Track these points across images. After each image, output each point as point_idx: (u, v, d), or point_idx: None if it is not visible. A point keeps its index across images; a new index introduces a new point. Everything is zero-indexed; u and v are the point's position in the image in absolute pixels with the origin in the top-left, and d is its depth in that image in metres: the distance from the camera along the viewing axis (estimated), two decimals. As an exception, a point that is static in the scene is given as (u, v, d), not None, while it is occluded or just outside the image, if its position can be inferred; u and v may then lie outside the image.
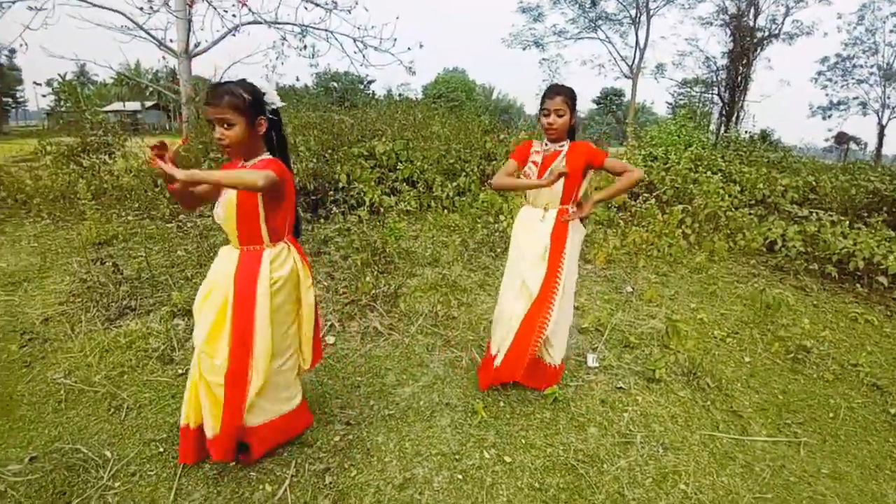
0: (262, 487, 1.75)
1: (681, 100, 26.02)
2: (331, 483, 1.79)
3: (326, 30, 10.63)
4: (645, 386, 2.61)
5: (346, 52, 11.28)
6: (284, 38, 10.23)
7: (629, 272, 4.46)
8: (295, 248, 1.78)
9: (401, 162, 6.18)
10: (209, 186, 1.69)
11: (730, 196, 5.80)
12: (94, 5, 8.00)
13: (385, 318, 3.11)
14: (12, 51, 25.67)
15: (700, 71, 22.60)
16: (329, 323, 3.02)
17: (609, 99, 41.79)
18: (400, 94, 15.54)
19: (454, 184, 6.26)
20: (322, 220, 5.49)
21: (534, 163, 2.25)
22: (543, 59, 26.56)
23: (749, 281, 4.44)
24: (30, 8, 7.42)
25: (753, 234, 5.09)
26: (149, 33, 9.18)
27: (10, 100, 26.86)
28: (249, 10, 10.12)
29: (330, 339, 2.86)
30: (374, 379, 2.49)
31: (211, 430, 1.67)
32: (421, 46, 11.78)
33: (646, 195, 6.08)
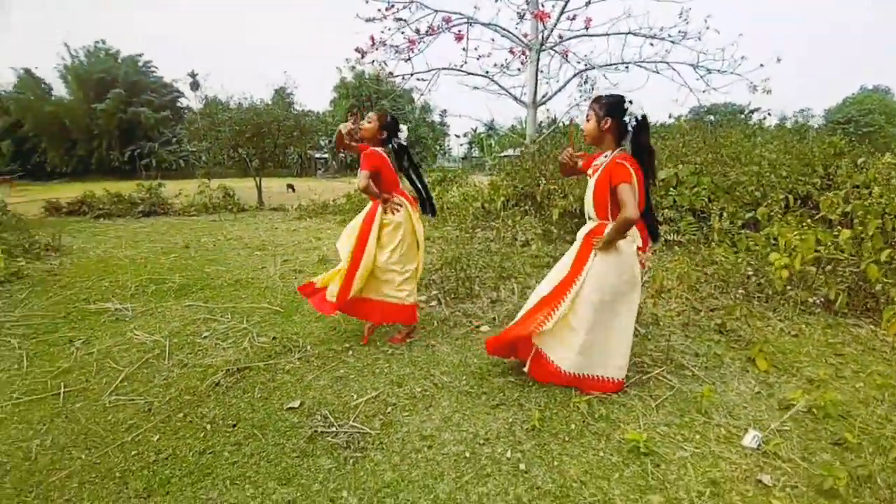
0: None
1: None
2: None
3: (660, 61, 10.49)
4: (802, 494, 1.81)
5: (684, 82, 10.75)
6: (596, 79, 10.72)
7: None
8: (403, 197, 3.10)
9: (672, 188, 5.68)
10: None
11: None
12: (468, 73, 10.79)
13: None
14: (444, 111, 36.73)
15: None
16: (493, 316, 3.44)
17: None
18: (784, 119, 13.22)
19: (748, 215, 5.25)
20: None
21: (588, 173, 2.42)
22: None
23: None
24: (419, 79, 10.78)
25: None
26: (507, 91, 11.59)
27: (438, 147, 38.18)
28: (586, 61, 11.18)
29: (485, 328, 3.29)
30: (489, 365, 2.79)
31: (331, 295, 2.96)
32: (778, 61, 9.89)
33: None
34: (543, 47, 10.33)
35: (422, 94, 10.71)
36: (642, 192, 2.28)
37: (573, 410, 2.31)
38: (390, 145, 3.13)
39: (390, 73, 10.30)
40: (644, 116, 2.26)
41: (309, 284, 3.17)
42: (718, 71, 10.22)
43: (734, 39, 10.09)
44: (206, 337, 3.21)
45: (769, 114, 13.99)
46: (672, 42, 10.22)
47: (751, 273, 3.95)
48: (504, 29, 10.81)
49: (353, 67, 10.31)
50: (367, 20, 10.50)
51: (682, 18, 10.02)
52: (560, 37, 10.10)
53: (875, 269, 3.28)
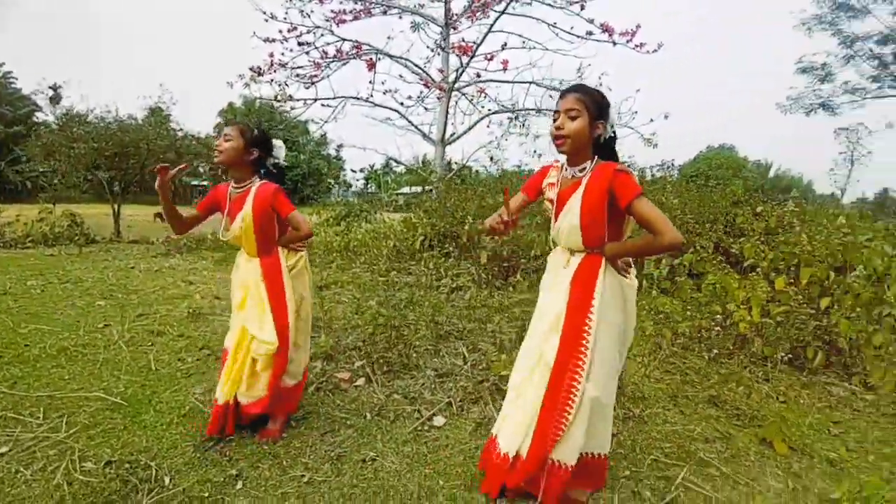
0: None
1: None
2: None
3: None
4: None
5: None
6: (511, 120, 10.80)
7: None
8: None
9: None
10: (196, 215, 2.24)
11: None
12: (375, 105, 10.08)
13: (514, 410, 2.47)
14: (340, 145, 35.44)
15: None
16: (447, 400, 2.57)
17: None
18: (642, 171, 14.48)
19: (676, 261, 5.11)
20: (511, 289, 5.17)
21: (549, 200, 1.79)
22: (840, 128, 20.96)
23: None
24: (323, 105, 9.81)
25: None
26: (417, 127, 11.09)
27: (332, 181, 36.57)
28: (496, 101, 11.20)
29: (439, 421, 2.39)
30: (459, 491, 1.89)
31: (254, 397, 2.11)
32: (666, 117, 10.79)
33: None
34: (457, 85, 10.09)
35: (324, 122, 9.73)
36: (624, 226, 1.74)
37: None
38: (263, 170, 2.23)
39: (290, 97, 9.18)
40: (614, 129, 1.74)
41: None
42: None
43: (630, 95, 10.85)
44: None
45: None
46: (570, 93, 10.67)
47: (717, 328, 3.59)
48: (415, 64, 10.41)
49: (247, 85, 8.95)
50: (266, 40, 9.39)
51: (579, 74, 10.52)
52: (478, 75, 9.87)
53: (847, 324, 3.08)
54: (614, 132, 1.72)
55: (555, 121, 1.67)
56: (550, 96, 10.90)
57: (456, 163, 13.82)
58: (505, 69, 9.47)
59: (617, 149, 1.77)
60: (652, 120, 10.48)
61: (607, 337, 1.67)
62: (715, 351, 3.39)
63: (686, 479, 2.01)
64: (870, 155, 28.69)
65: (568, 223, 1.70)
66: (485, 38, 9.73)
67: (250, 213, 2.04)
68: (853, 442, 2.42)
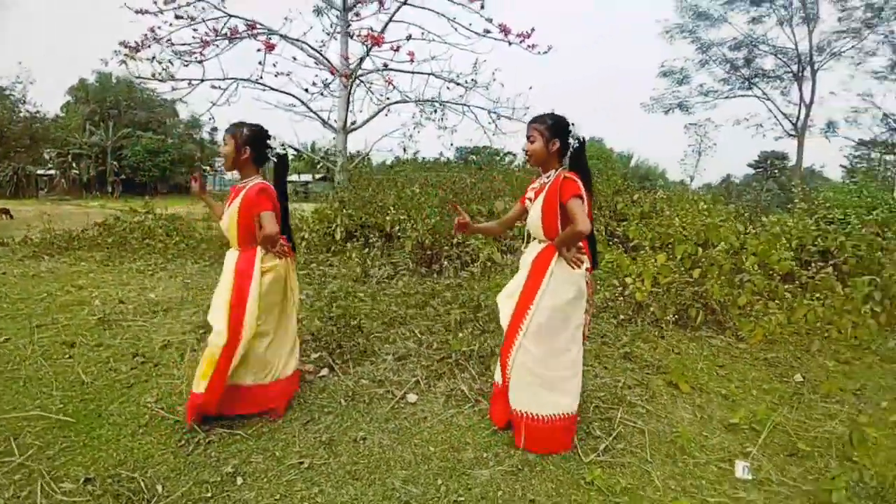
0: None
1: (858, 163, 21.84)
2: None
3: (464, 104, 11.29)
4: None
5: (479, 123, 11.79)
6: (422, 111, 11.02)
7: (799, 357, 3.47)
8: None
9: (519, 221, 5.95)
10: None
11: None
12: (273, 89, 9.54)
13: (475, 382, 2.75)
14: (214, 128, 32.57)
15: (878, 129, 18.78)
16: (414, 379, 2.76)
17: (770, 163, 37.16)
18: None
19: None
20: (435, 275, 5.43)
21: (528, 199, 2.26)
22: (690, 123, 24.80)
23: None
24: (213, 86, 9.07)
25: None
26: (316, 114, 10.69)
27: (207, 168, 33.49)
28: (397, 90, 11.25)
29: (412, 398, 2.58)
30: (450, 452, 2.11)
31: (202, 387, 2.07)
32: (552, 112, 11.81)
33: (819, 264, 4.88)
34: (361, 74, 9.92)
35: (213, 105, 8.92)
36: (590, 211, 2.16)
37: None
38: (266, 162, 2.34)
39: (171, 76, 8.25)
40: (583, 138, 2.21)
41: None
42: (507, 117, 11.65)
43: (524, 91, 11.65)
44: None
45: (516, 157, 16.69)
46: (466, 88, 11.17)
47: (619, 298, 4.24)
48: (313, 48, 10.02)
49: (123, 62, 7.90)
50: (139, 12, 8.29)
51: (475, 69, 11.05)
52: (385, 65, 9.84)
53: (717, 289, 3.89)
54: (580, 143, 2.16)
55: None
56: (448, 88, 11.31)
57: (358, 151, 13.67)
58: (412, 60, 9.58)
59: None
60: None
61: (549, 308, 2.07)
62: (621, 316, 4.02)
63: (622, 418, 2.47)
64: (714, 147, 33.88)
65: (534, 217, 2.15)
66: (386, 26, 9.73)
67: (237, 207, 2.16)
68: (737, 381, 3.07)
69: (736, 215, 5.46)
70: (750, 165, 39.44)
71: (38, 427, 2.10)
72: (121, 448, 2.02)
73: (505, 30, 9.47)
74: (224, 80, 9.30)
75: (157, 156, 26.23)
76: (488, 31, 9.88)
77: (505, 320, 2.20)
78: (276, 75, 10.24)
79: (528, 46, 9.83)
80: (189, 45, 8.34)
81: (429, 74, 11.01)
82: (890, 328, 3.97)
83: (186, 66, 8.97)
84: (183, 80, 8.78)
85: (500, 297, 2.31)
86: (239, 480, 1.85)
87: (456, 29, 10.27)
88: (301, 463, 1.98)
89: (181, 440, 2.09)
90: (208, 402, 2.09)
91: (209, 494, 1.76)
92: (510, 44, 9.75)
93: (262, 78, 9.84)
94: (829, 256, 5.03)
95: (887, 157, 17.68)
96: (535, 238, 2.24)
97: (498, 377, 2.29)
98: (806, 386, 2.98)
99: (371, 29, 9.49)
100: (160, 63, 8.05)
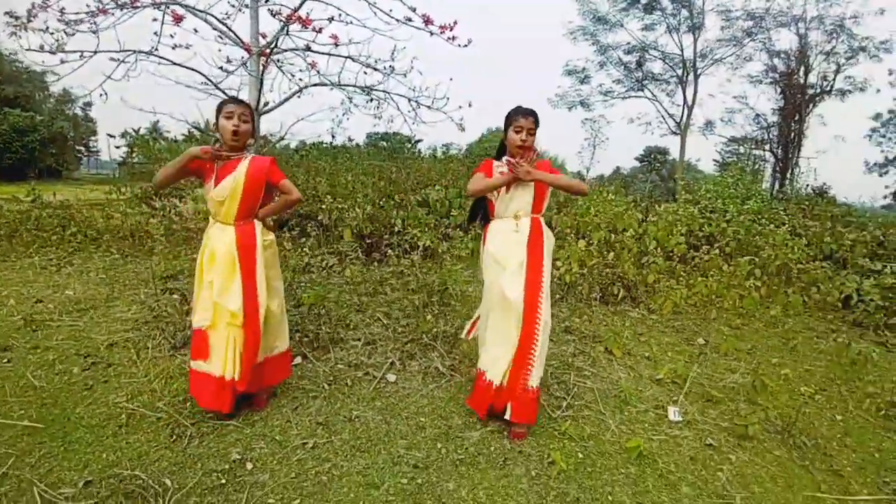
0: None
1: (729, 157, 25.46)
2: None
3: (384, 91, 11.26)
4: (737, 444, 2.35)
5: (400, 111, 11.83)
6: (351, 98, 10.82)
7: (699, 324, 4.17)
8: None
9: (454, 209, 6.23)
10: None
11: (798, 250, 5.47)
12: (177, 64, 8.77)
13: (446, 359, 2.98)
14: (88, 103, 28.58)
15: (750, 128, 22.09)
16: (389, 361, 2.92)
17: (653, 157, 41.61)
18: (444, 153, 16.05)
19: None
20: (377, 263, 5.53)
21: (501, 173, 2.30)
22: (586, 118, 26.87)
23: (829, 336, 4.10)
24: (112, 59, 8.15)
25: (829, 287, 4.72)
26: (224, 92, 9.96)
27: (83, 148, 29.52)
28: (318, 73, 10.89)
29: (391, 377, 2.74)
30: (440, 420, 2.33)
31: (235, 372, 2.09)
32: (470, 105, 12.20)
33: (706, 247, 5.81)
34: (275, 52, 9.46)
35: (107, 78, 7.97)
36: None
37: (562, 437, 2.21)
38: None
39: (60, 48, 7.20)
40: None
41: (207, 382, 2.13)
42: (427, 107, 11.86)
43: (444, 81, 11.88)
44: None
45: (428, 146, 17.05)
46: (384, 74, 11.17)
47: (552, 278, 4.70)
48: (221, 21, 9.33)
49: (14, 34, 6.71)
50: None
51: (393, 56, 11.08)
52: (308, 47, 9.45)
53: (630, 270, 4.50)
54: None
55: (518, 133, 2.25)
56: (365, 72, 11.21)
57: (272, 134, 13.02)
58: (336, 45, 9.35)
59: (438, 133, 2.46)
60: (461, 107, 11.79)
61: (549, 276, 2.26)
62: (558, 296, 4.49)
63: (574, 380, 2.86)
64: (607, 141, 36.80)
65: (526, 197, 2.27)
66: (301, 4, 9.37)
67: (243, 177, 2.09)
68: (655, 345, 3.65)
69: (634, 205, 6.24)
70: (637, 159, 43.76)
71: (6, 436, 1.94)
72: (107, 449, 1.95)
73: (428, 20, 9.65)
74: (121, 52, 8.35)
75: (25, 135, 22.41)
76: (410, 20, 10.00)
77: (518, 302, 2.15)
78: (173, 47, 9.39)
79: (449, 38, 10.12)
80: (77, 14, 7.37)
81: (346, 58, 10.84)
82: (770, 299, 4.87)
83: (73, 35, 7.92)
84: (75, 51, 7.72)
85: (504, 280, 2.20)
86: (249, 466, 1.91)
87: (375, 13, 10.22)
88: (305, 443, 2.07)
89: (172, 435, 2.06)
90: (244, 383, 2.13)
91: (223, 481, 1.80)
92: (431, 34, 9.96)
93: (156, 50, 8.98)
94: (714, 240, 5.99)
95: (756, 152, 20.59)
96: (521, 215, 2.28)
97: (496, 377, 2.20)
98: (708, 347, 3.63)
99: (295, 10, 9.11)
100: (52, 34, 7.01)
